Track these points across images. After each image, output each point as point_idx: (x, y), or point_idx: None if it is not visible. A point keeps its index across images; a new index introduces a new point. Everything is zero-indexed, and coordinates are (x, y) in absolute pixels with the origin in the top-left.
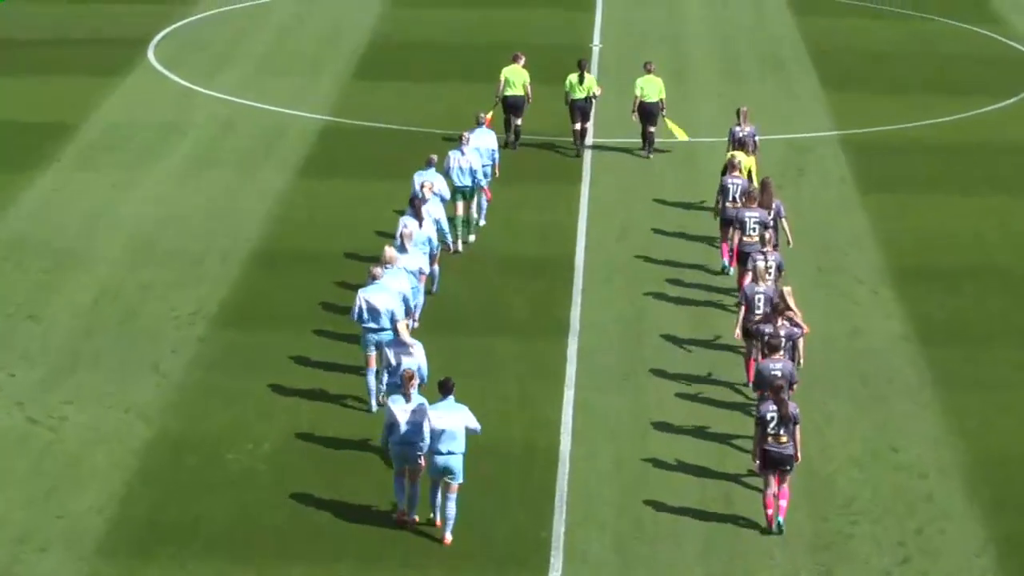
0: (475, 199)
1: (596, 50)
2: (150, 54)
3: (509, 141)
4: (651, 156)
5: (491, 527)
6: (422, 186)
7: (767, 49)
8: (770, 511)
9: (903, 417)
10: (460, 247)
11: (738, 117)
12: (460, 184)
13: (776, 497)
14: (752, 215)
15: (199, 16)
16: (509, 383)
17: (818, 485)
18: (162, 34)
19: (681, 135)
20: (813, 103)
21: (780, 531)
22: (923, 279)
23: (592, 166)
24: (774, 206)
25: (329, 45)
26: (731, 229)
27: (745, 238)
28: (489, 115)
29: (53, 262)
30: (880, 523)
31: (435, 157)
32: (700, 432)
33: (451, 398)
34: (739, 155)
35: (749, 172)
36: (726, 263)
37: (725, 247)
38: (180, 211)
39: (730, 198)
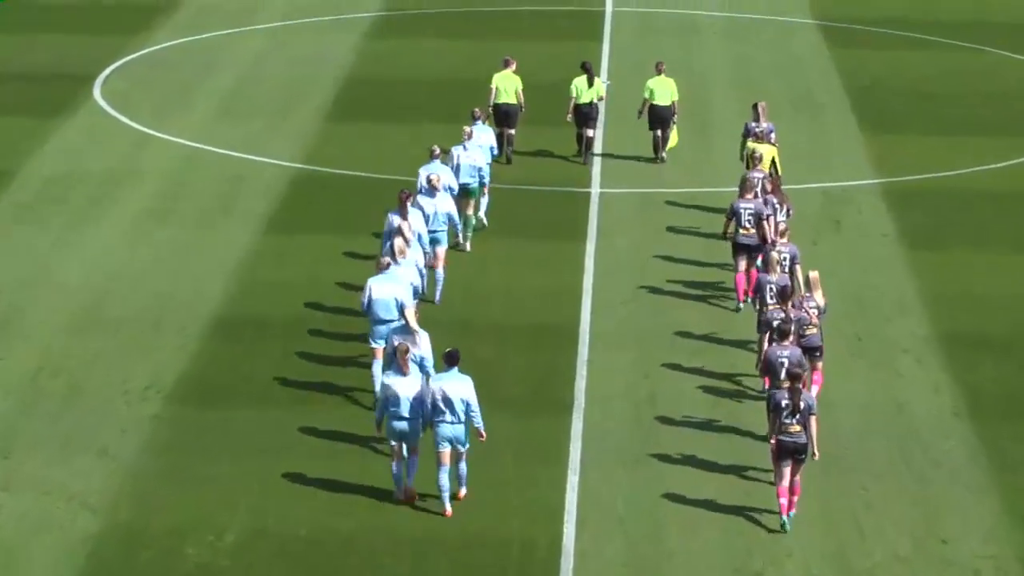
0: (480, 197)
1: (605, 86)
2: (96, 92)
3: (504, 153)
4: (663, 161)
5: None
6: (428, 179)
7: (798, 86)
8: (783, 500)
9: (953, 505)
10: (468, 247)
11: (755, 112)
12: (464, 182)
13: (790, 488)
14: (747, 206)
15: (152, 49)
16: (506, 466)
17: None
18: (110, 70)
19: (673, 142)
20: (851, 147)
21: (785, 529)
22: (975, 347)
23: (599, 218)
24: (775, 201)
25: (298, 83)
26: (745, 260)
27: (740, 230)
28: (492, 133)
29: None
30: None
31: (438, 148)
32: (721, 522)
33: (456, 369)
34: (761, 148)
35: (773, 162)
36: (742, 303)
37: (740, 279)
38: (131, 271)
39: (743, 223)
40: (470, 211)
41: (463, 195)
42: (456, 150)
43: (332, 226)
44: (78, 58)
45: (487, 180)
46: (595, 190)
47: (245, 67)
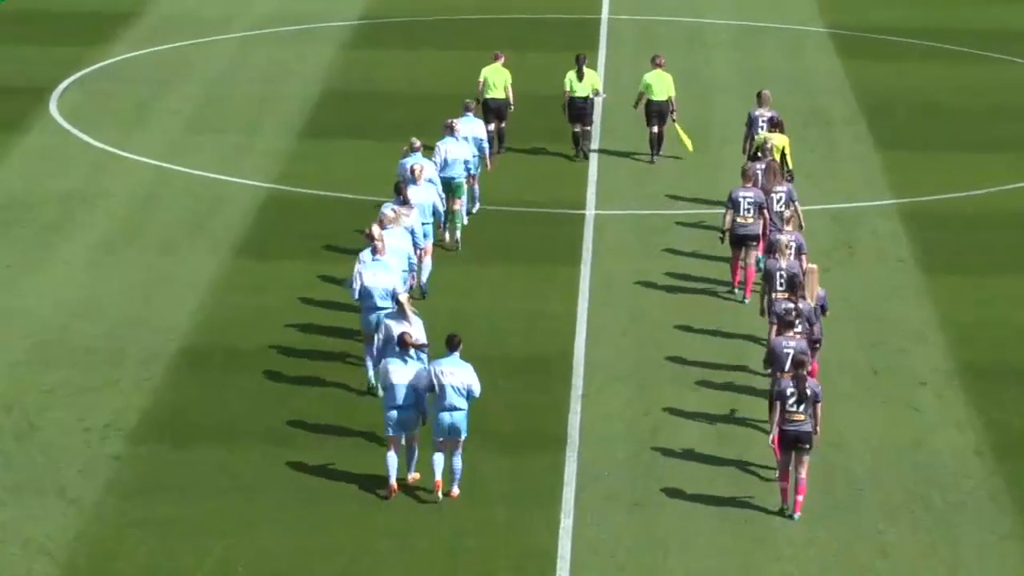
0: (465, 191)
1: (599, 101)
2: (52, 107)
3: (491, 150)
4: (655, 161)
5: None
6: (412, 170)
7: (808, 100)
8: (785, 486)
9: (977, 551)
10: (448, 238)
11: (759, 100)
12: (450, 176)
13: (795, 483)
14: (746, 195)
15: (112, 61)
16: (495, 508)
17: None
18: (67, 83)
19: (689, 146)
20: (865, 165)
21: (790, 517)
22: (998, 380)
23: (594, 241)
24: (785, 190)
25: (270, 97)
26: (742, 250)
27: (739, 219)
28: (483, 124)
29: None
30: None
31: (418, 142)
32: (729, 571)
33: (456, 354)
34: (773, 137)
35: (783, 153)
36: (736, 288)
37: (735, 266)
38: (91, 299)
39: (741, 212)
40: (457, 206)
41: (448, 190)
42: (443, 144)
43: (307, 250)
44: (32, 71)
45: (476, 171)
46: (590, 211)
47: (213, 80)
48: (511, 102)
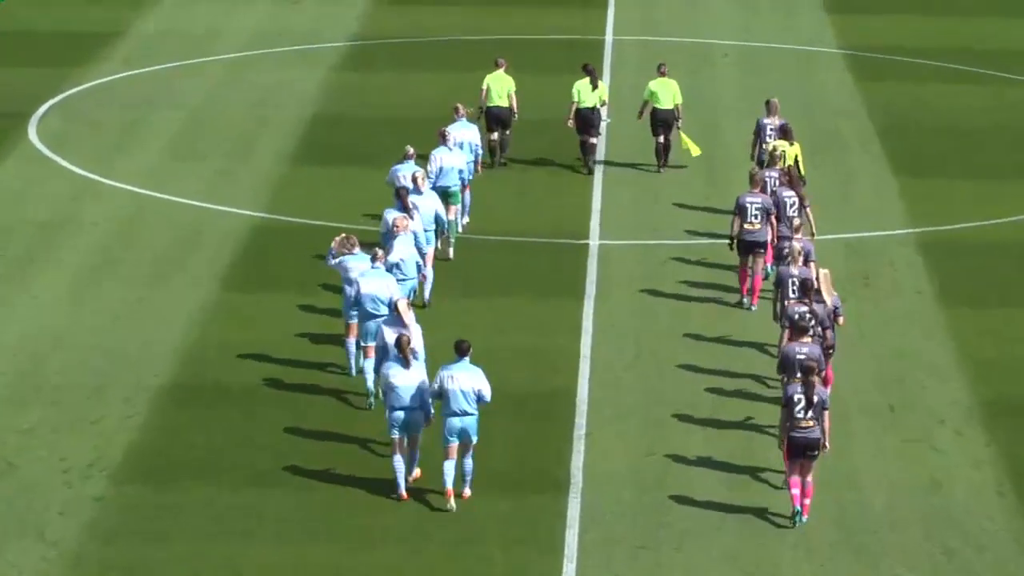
0: (460, 200)
1: (604, 125)
2: (32, 132)
3: (495, 159)
4: (661, 171)
5: None
6: (413, 178)
7: (822, 124)
8: (795, 491)
9: None
10: (451, 253)
11: (767, 109)
12: (444, 184)
13: (802, 490)
14: (754, 201)
15: (94, 83)
16: (493, 552)
17: None
18: (47, 107)
19: (695, 151)
20: (881, 193)
21: (797, 521)
22: (1020, 417)
23: (598, 273)
24: (797, 196)
25: (259, 121)
26: (750, 257)
27: (746, 225)
28: (476, 130)
29: None
30: None
31: (412, 150)
32: None
33: (466, 359)
34: (782, 144)
35: (796, 161)
36: (744, 297)
37: (743, 274)
38: (72, 334)
39: (748, 219)
40: (451, 215)
41: (443, 198)
42: (438, 152)
43: (297, 281)
44: (10, 94)
45: (469, 177)
46: (594, 241)
47: (199, 104)
48: (515, 111)
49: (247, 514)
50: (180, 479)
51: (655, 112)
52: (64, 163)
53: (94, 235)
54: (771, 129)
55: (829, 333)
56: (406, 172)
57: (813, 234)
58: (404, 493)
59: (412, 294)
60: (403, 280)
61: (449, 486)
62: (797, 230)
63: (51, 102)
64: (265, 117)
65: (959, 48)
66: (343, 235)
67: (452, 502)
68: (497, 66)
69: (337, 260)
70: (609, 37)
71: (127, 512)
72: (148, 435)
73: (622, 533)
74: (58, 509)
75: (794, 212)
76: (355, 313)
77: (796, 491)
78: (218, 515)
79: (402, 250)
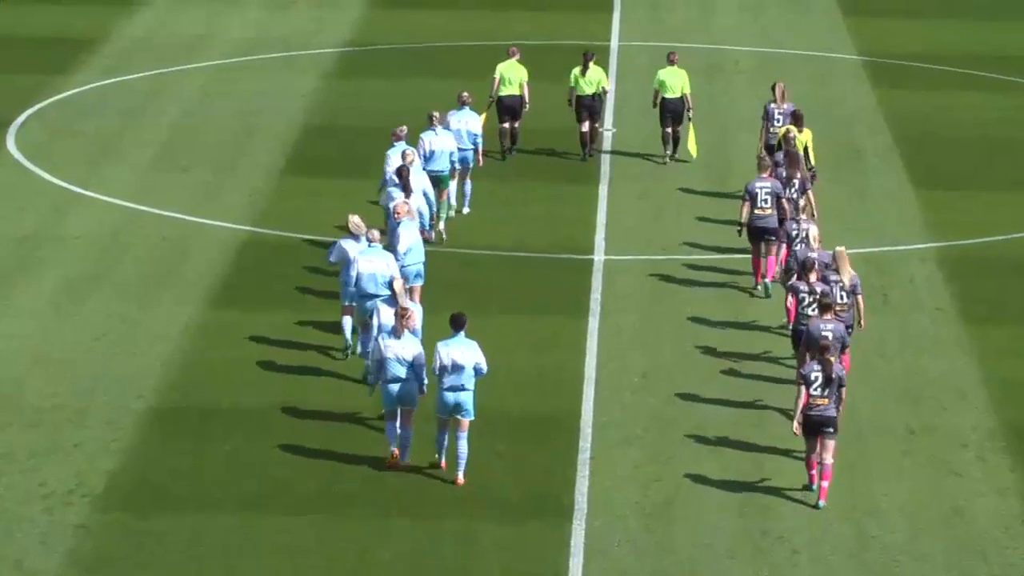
0: (451, 185)
1: (609, 135)
2: (10, 143)
3: (505, 148)
4: (667, 161)
5: None
6: (403, 155)
7: (839, 133)
8: (812, 471)
9: None
10: (434, 235)
11: (774, 94)
12: (436, 169)
13: (820, 469)
14: (763, 186)
15: (75, 91)
16: None
17: None
18: (25, 116)
19: (694, 151)
20: (900, 205)
21: (817, 506)
22: None
23: (603, 290)
24: (800, 179)
25: (248, 131)
26: (761, 243)
27: (756, 210)
28: (482, 117)
29: None
30: None
31: (404, 130)
32: None
33: (462, 333)
34: (795, 129)
35: (805, 149)
36: (758, 284)
37: (756, 262)
38: (52, 353)
39: (759, 204)
40: (443, 197)
41: (434, 184)
42: (425, 135)
43: (287, 299)
44: None
45: (469, 165)
46: (598, 257)
47: (185, 112)
48: (527, 101)
49: (235, 542)
50: (165, 506)
51: (664, 102)
52: (44, 175)
53: (75, 250)
54: (779, 114)
55: (846, 315)
56: (398, 152)
57: (814, 215)
58: (395, 450)
59: (420, 278)
60: (411, 265)
61: (443, 459)
62: (802, 211)
63: (30, 111)
64: (254, 126)
65: (982, 54)
66: (357, 217)
67: (444, 461)
68: (510, 55)
69: (335, 251)
70: (615, 43)
71: (110, 540)
72: (132, 460)
73: (628, 562)
74: (37, 538)
75: (795, 193)
76: (353, 292)
77: (814, 471)
78: (205, 544)
79: (408, 237)
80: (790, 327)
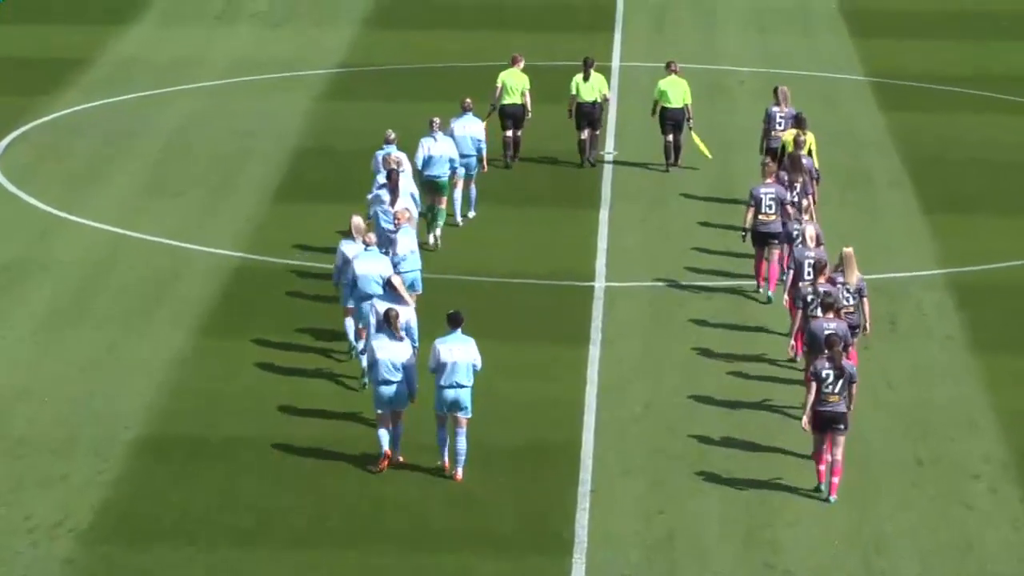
0: (456, 194)
1: (610, 158)
2: None
3: (507, 156)
4: (669, 170)
5: None
6: (386, 159)
7: (847, 157)
8: (822, 467)
9: None
10: (432, 240)
11: (776, 97)
12: (432, 175)
13: (830, 465)
14: (768, 191)
15: (62, 113)
16: None
17: None
18: (10, 138)
19: (707, 153)
20: (909, 230)
21: (828, 500)
22: None
23: (604, 318)
24: (802, 180)
25: (240, 154)
26: (765, 248)
27: (761, 216)
28: (483, 124)
29: None
30: None
31: (392, 133)
32: None
33: (459, 331)
34: (801, 132)
35: (810, 151)
36: (764, 290)
37: (760, 266)
38: (38, 383)
39: (763, 209)
40: (442, 204)
41: (433, 189)
42: (425, 141)
43: (280, 327)
44: None
45: (473, 172)
46: (599, 283)
47: (175, 135)
48: (528, 109)
49: None
50: (154, 539)
51: (664, 111)
52: (30, 199)
53: (62, 277)
54: (780, 118)
55: (852, 316)
56: (391, 154)
57: (813, 216)
58: (387, 450)
59: (416, 284)
60: (408, 273)
61: (445, 459)
62: (805, 211)
63: (15, 133)
64: (247, 149)
65: (993, 75)
66: (359, 218)
67: (447, 460)
68: (513, 63)
69: (337, 253)
70: (616, 63)
71: (96, 574)
72: (120, 492)
73: None
74: (22, 571)
75: (796, 195)
76: (355, 291)
77: (823, 467)
78: None
79: (406, 243)
80: (797, 359)
